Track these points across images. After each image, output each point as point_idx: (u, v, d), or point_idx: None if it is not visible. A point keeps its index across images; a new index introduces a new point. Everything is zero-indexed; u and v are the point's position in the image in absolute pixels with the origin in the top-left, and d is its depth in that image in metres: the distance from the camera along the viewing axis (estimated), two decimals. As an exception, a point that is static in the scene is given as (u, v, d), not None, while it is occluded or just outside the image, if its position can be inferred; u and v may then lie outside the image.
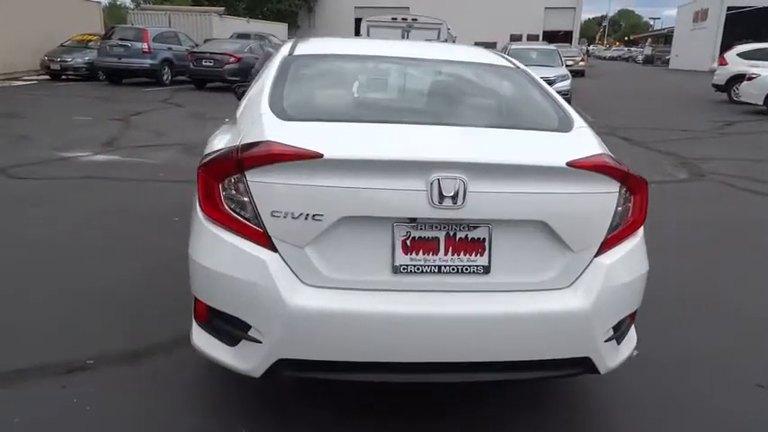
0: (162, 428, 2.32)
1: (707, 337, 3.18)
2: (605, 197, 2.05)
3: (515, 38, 39.90)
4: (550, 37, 42.52)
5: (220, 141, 2.33)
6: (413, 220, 1.94)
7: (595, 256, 2.07)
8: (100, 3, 26.62)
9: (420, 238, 1.96)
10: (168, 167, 6.92)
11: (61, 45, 18.77)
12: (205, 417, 2.39)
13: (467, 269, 1.98)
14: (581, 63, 28.84)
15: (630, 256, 2.14)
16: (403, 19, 10.77)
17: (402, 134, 2.15)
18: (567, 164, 1.98)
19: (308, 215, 1.90)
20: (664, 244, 3.99)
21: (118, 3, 63.43)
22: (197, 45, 19.41)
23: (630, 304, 2.17)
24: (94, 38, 18.97)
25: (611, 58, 65.97)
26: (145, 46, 17.12)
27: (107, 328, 3.03)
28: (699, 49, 34.55)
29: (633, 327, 2.31)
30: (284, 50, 2.97)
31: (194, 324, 2.19)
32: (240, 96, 4.03)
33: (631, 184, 2.10)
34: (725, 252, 4.60)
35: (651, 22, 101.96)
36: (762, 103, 13.96)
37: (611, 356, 2.13)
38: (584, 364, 2.06)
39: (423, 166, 1.90)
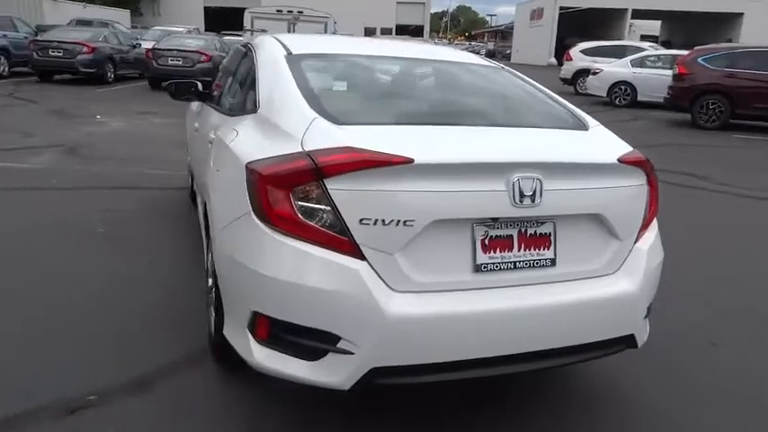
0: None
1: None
2: (641, 189, 2.27)
3: (369, 32, 40.67)
4: (402, 31, 43.96)
5: (258, 147, 2.18)
6: (494, 219, 2.00)
7: (634, 243, 2.28)
8: None
9: (497, 236, 2.03)
10: (58, 173, 6.19)
11: None
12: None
13: (537, 263, 2.09)
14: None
15: (656, 241, 2.39)
16: (288, 11, 10.54)
17: (470, 136, 2.20)
18: (618, 160, 2.17)
19: (399, 221, 1.88)
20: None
21: None
22: (37, 33, 17.40)
23: (657, 284, 2.42)
24: None
25: (456, 52, 69.69)
26: (-25, 33, 15.01)
27: (89, 360, 2.71)
28: (537, 45, 37.87)
29: None
30: (274, 50, 2.84)
31: (253, 342, 2.06)
32: (201, 97, 3.78)
33: (652, 177, 2.34)
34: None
35: (488, 19, 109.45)
36: (605, 95, 15.76)
37: (645, 331, 2.36)
38: (628, 340, 2.26)
39: (504, 167, 1.97)
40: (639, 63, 15.52)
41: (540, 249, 2.09)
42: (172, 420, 2.35)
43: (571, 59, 18.86)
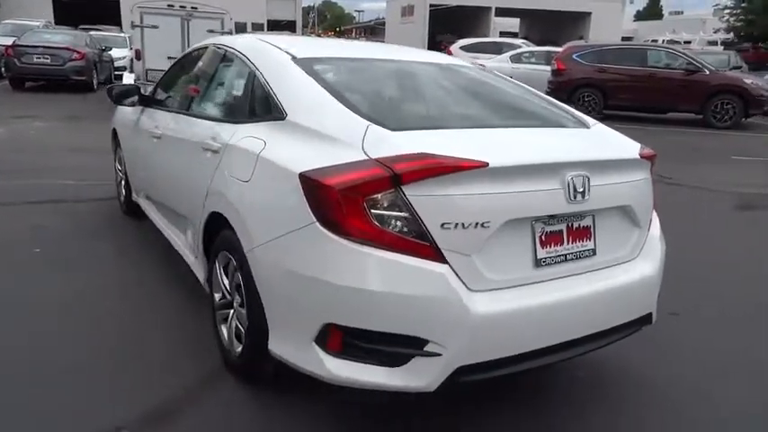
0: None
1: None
2: (649, 180, 2.52)
3: (240, 27, 39.43)
4: (274, 26, 43.16)
5: (307, 155, 2.12)
6: (552, 216, 2.13)
7: (648, 229, 2.53)
8: None
9: (551, 232, 2.16)
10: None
11: None
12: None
13: (582, 254, 2.25)
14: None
15: (659, 227, 2.66)
16: (181, 7, 9.99)
17: (521, 138, 2.32)
18: (639, 155, 2.40)
19: (477, 223, 1.95)
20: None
21: None
22: None
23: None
24: None
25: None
26: None
27: (98, 394, 2.48)
28: (410, 41, 38.94)
29: None
30: (274, 53, 2.77)
31: (324, 355, 2.02)
32: (146, 102, 3.57)
33: (652, 168, 2.60)
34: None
35: (356, 15, 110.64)
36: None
37: (656, 308, 2.63)
38: (646, 318, 2.50)
39: (559, 166, 2.11)
40: (518, 59, 16.58)
41: (583, 241, 2.26)
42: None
43: (452, 55, 19.68)
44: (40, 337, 2.88)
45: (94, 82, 14.53)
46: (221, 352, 2.70)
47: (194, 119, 3.16)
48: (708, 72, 12.48)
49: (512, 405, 2.53)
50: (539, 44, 23.11)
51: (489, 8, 38.19)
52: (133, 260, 3.94)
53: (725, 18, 37.37)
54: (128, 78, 10.33)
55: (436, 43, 33.54)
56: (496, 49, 18.68)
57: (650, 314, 2.50)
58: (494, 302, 1.99)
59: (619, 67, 12.98)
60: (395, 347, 1.96)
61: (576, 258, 2.24)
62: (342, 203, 1.92)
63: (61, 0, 38.49)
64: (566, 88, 13.12)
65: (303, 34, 48.91)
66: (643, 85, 12.61)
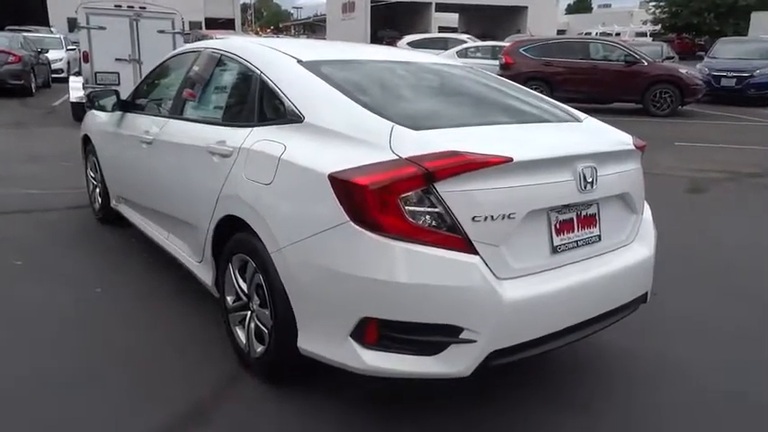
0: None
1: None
2: (640, 169, 2.71)
3: (178, 25, 38.44)
4: (213, 24, 42.26)
5: (334, 157, 2.18)
6: (566, 206, 2.28)
7: (642, 214, 2.72)
8: None
9: (564, 220, 2.31)
10: None
11: None
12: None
13: (590, 240, 2.41)
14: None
15: (650, 212, 2.86)
16: (129, 7, 9.68)
17: (535, 133, 2.48)
18: (635, 146, 2.59)
19: (504, 215, 2.07)
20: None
21: None
22: None
23: None
24: None
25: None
26: None
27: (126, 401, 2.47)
28: (352, 38, 38.96)
29: None
30: (277, 56, 2.82)
31: (360, 348, 2.11)
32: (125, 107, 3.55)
33: (642, 157, 2.80)
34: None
35: (293, 11, 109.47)
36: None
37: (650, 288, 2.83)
38: (643, 298, 2.70)
39: (572, 159, 2.27)
40: (464, 54, 16.91)
41: (590, 228, 2.42)
42: None
43: (400, 52, 19.85)
44: (39, 344, 2.83)
45: (33, 86, 13.93)
46: (237, 354, 2.73)
47: (193, 123, 3.16)
48: (646, 63, 13.12)
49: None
50: (480, 39, 23.63)
51: (430, 4, 38.76)
52: (117, 267, 3.87)
53: (651, 10, 39.25)
54: (74, 82, 9.93)
55: (378, 39, 33.70)
56: (443, 44, 18.95)
57: (646, 293, 2.70)
58: (520, 289, 2.13)
59: (563, 60, 13.46)
60: (432, 336, 2.06)
61: (585, 244, 2.40)
62: (377, 202, 2.00)
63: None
64: (515, 82, 13.46)
65: (243, 32, 48.05)
66: (587, 76, 13.12)
